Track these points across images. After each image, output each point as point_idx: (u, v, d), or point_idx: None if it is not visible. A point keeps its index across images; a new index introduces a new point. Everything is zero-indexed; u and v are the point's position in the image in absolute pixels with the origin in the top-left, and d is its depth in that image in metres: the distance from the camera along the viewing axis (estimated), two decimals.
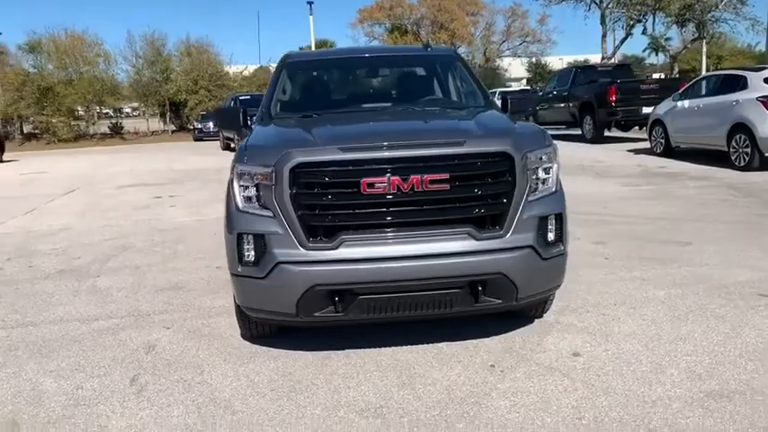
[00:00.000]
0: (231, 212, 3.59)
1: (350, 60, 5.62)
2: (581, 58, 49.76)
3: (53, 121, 38.80)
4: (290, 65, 5.24)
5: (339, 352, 3.82)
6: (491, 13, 50.26)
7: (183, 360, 3.86)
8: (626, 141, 17.32)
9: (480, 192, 3.41)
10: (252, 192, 3.51)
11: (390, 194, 3.30)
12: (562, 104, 19.03)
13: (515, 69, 59.03)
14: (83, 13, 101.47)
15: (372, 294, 3.38)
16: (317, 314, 3.42)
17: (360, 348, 3.85)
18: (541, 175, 3.62)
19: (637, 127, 17.27)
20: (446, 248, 3.38)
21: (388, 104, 4.97)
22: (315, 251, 3.35)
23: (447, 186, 3.34)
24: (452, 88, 5.25)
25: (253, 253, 3.47)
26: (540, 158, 3.60)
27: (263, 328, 3.96)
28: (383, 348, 3.84)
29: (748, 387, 3.17)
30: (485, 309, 3.56)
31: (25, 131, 43.18)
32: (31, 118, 41.14)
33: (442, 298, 3.43)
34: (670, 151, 12.96)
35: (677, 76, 27.51)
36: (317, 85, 5.38)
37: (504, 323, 4.09)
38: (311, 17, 41.90)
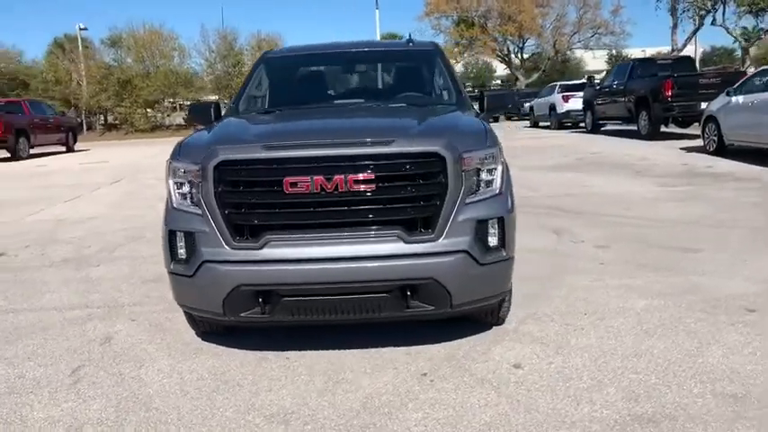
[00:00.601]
0: (167, 209, 3.60)
1: (328, 56, 5.54)
2: (664, 50, 47.45)
3: (131, 112, 40.59)
4: (268, 60, 5.22)
5: (280, 353, 3.78)
6: (561, 4, 48.75)
7: (130, 353, 3.91)
8: (683, 138, 16.48)
9: (410, 193, 3.28)
10: (186, 189, 3.50)
11: (314, 194, 3.21)
12: (619, 99, 18.30)
13: (595, 62, 57.24)
14: (160, 8, 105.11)
15: (297, 296, 3.32)
16: (242, 314, 3.39)
17: (302, 350, 3.79)
18: (482, 176, 3.45)
19: (696, 123, 16.37)
20: (374, 251, 3.27)
21: (360, 101, 4.87)
22: (240, 251, 3.31)
23: (373, 187, 3.23)
24: (429, 84, 5.10)
25: (183, 251, 3.47)
26: (480, 159, 3.43)
27: (208, 326, 3.95)
28: (326, 351, 3.77)
29: (684, 412, 2.91)
30: (416, 315, 3.43)
31: (107, 122, 45.42)
32: (112, 109, 43.15)
33: (369, 302, 3.33)
34: (723, 149, 12.22)
35: (739, 69, 25.85)
36: (292, 81, 5.33)
37: (459, 329, 3.94)
38: (377, 11, 42.05)
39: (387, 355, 3.70)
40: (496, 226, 3.44)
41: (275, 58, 5.44)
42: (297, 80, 5.37)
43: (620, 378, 3.28)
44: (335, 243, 3.28)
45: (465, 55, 52.92)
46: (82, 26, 45.98)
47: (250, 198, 3.31)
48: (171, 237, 3.50)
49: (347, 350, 3.76)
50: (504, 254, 3.48)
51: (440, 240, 3.30)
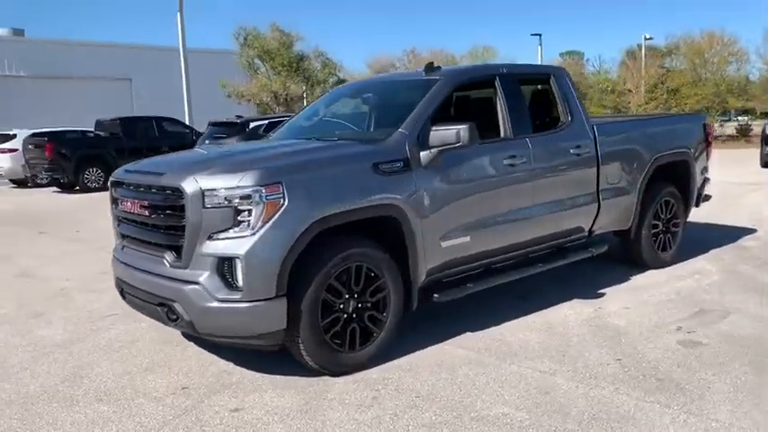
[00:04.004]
0: None
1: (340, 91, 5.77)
2: None
3: None
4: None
5: None
6: None
7: None
8: None
9: (164, 222, 3.75)
10: None
11: (126, 212, 4.06)
12: None
13: None
14: (719, 11, 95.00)
15: (128, 293, 4.18)
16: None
17: None
18: (240, 215, 3.55)
19: None
20: (152, 267, 3.89)
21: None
22: (118, 252, 4.41)
23: (147, 213, 3.85)
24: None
25: None
26: (229, 198, 3.54)
27: None
28: None
29: None
30: (180, 329, 3.84)
31: None
32: None
33: (153, 310, 3.93)
34: None
35: None
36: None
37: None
38: None
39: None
40: (237, 265, 3.51)
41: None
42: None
43: None
44: (139, 255, 4.02)
45: None
46: (647, 36, 47.01)
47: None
48: None
49: None
50: (241, 296, 3.50)
51: (186, 270, 3.65)
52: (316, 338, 3.70)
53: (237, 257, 3.49)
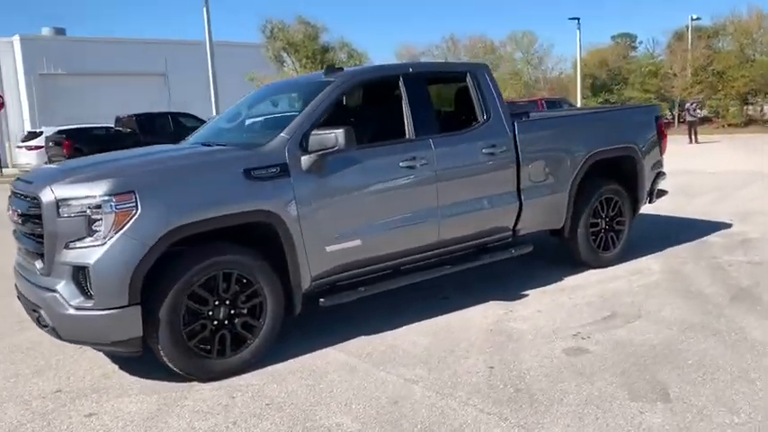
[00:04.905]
0: None
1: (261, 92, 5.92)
2: None
3: (725, 105, 38.62)
4: None
5: None
6: None
7: None
8: None
9: (32, 231, 3.85)
10: None
11: (12, 220, 4.18)
12: None
13: None
14: None
15: (18, 297, 4.30)
16: None
17: None
18: (95, 224, 3.61)
19: None
20: (28, 275, 4.02)
21: None
22: None
23: (21, 221, 3.96)
24: None
25: None
26: (83, 207, 3.61)
27: None
28: None
29: None
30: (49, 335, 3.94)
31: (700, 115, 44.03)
32: (703, 102, 41.71)
33: (32, 315, 4.04)
34: None
35: None
36: None
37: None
38: None
39: None
40: (88, 274, 3.58)
41: None
42: None
43: None
44: (25, 263, 4.13)
45: None
46: (694, 16, 45.27)
47: None
48: None
49: None
50: (93, 304, 3.57)
51: (48, 277, 3.75)
52: (177, 345, 3.74)
53: (88, 266, 3.55)
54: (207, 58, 25.54)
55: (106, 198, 3.58)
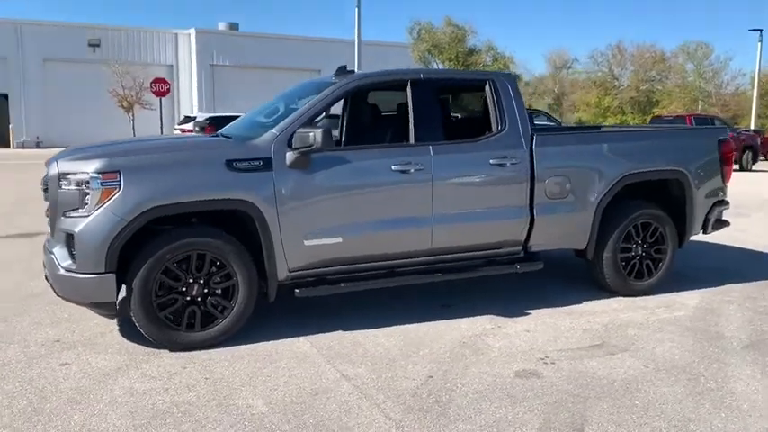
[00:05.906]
0: None
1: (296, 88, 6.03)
2: None
3: None
4: None
5: None
6: None
7: None
8: None
9: (46, 199, 4.44)
10: None
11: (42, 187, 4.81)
12: None
13: None
14: None
15: None
16: None
17: None
18: (87, 197, 4.10)
19: None
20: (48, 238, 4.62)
21: None
22: None
23: (43, 188, 4.57)
24: None
25: None
26: (76, 182, 4.10)
27: None
28: None
29: None
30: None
31: None
32: None
33: (44, 273, 4.64)
34: None
35: None
36: None
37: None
38: None
39: None
40: (73, 241, 4.09)
41: None
42: None
43: None
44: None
45: None
46: None
47: None
48: None
49: None
50: (76, 267, 4.07)
51: (52, 240, 4.33)
52: (148, 314, 4.14)
53: (74, 234, 4.04)
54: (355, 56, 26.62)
55: (94, 175, 4.04)
